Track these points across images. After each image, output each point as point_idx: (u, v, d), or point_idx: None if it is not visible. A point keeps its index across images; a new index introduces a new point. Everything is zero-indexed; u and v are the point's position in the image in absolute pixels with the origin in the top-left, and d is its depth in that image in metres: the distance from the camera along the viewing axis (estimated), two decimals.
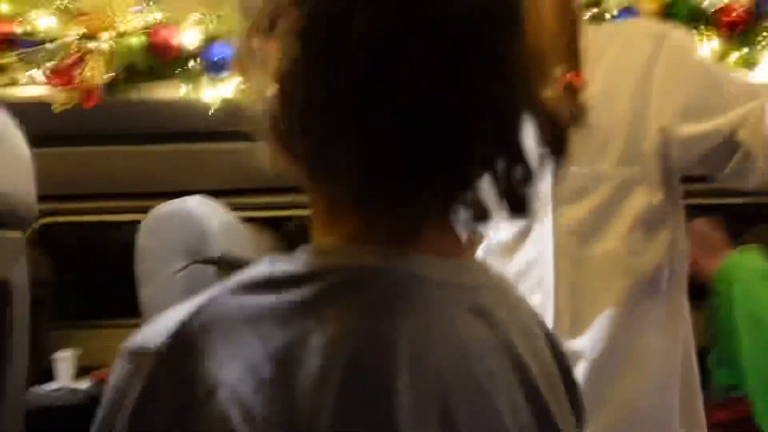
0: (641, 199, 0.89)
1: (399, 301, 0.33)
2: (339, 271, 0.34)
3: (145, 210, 2.29)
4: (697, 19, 1.65)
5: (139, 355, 0.32)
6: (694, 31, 1.62)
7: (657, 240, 0.89)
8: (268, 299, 0.33)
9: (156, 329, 0.32)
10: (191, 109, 1.66)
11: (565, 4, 0.88)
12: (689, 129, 0.89)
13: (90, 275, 2.47)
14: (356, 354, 0.31)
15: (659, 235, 0.90)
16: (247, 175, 2.26)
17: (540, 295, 0.87)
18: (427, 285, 0.35)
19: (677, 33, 0.99)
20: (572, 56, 0.86)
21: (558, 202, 0.88)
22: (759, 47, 1.62)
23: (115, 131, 1.79)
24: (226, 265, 1.46)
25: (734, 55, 1.62)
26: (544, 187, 0.84)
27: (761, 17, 1.66)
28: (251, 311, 0.32)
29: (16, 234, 0.68)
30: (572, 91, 0.83)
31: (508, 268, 0.91)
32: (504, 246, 0.93)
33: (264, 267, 0.36)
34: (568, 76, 0.83)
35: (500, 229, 0.93)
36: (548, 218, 0.88)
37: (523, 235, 0.91)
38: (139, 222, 2.39)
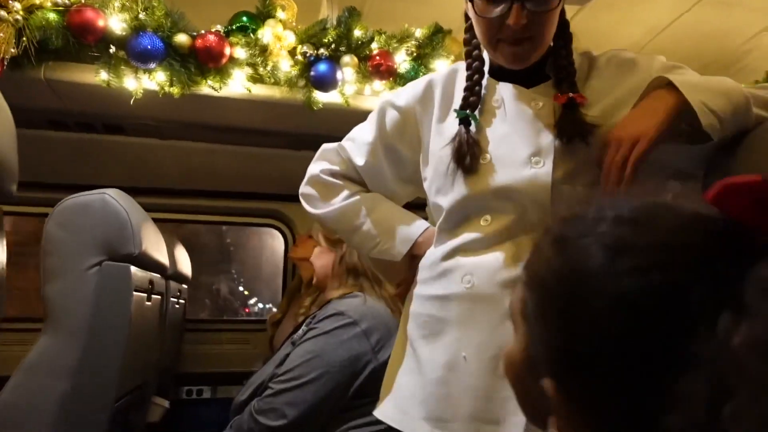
0: None
1: None
2: None
3: (38, 202, 2.06)
4: None
5: None
6: None
7: None
8: None
9: None
10: (107, 97, 1.56)
11: (563, 25, 0.94)
12: None
13: None
14: None
15: None
16: (153, 174, 2.15)
17: None
18: None
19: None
20: (571, 76, 0.91)
21: (554, 213, 0.83)
22: None
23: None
24: (147, 262, 1.38)
25: None
26: (542, 197, 0.85)
27: None
28: None
29: None
30: (575, 106, 0.87)
31: (480, 261, 0.88)
32: (481, 241, 0.90)
33: None
34: (571, 94, 0.88)
35: (465, 234, 0.92)
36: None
37: (506, 236, 0.88)
38: (31, 215, 2.15)
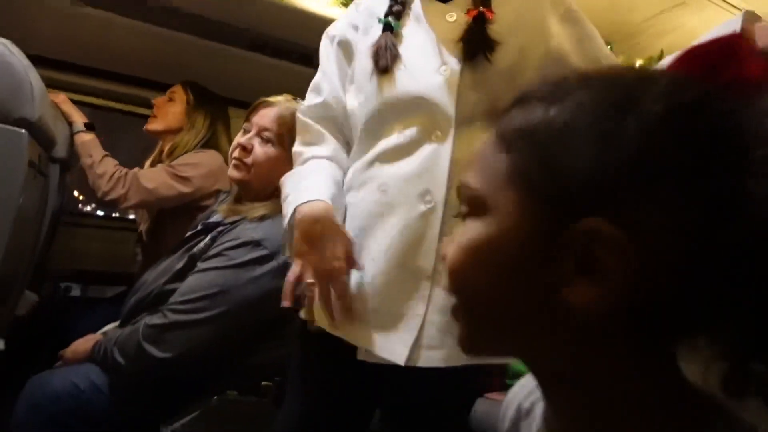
0: None
1: None
2: None
3: None
4: None
5: None
6: None
7: None
8: None
9: None
10: None
11: None
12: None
13: None
14: None
15: None
16: (31, 37, 1.83)
17: (424, 207, 0.89)
18: None
19: None
20: None
21: (459, 122, 0.90)
22: None
23: None
24: (42, 134, 1.20)
25: None
26: (448, 104, 0.90)
27: None
28: None
29: None
30: (483, 21, 0.92)
31: (395, 170, 0.92)
32: (395, 150, 0.93)
33: None
34: (481, 8, 0.93)
35: (380, 143, 0.95)
36: (450, 136, 0.90)
37: (416, 144, 0.92)
38: None
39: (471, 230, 0.40)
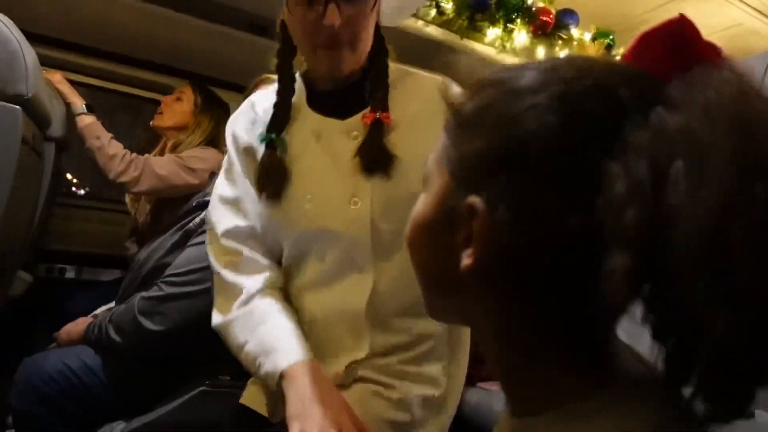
0: None
1: None
2: None
3: None
4: (517, 11, 1.95)
5: None
6: (510, 25, 1.92)
7: None
8: None
9: None
10: None
11: (379, 39, 0.90)
12: None
13: None
14: None
15: None
16: (26, 15, 1.80)
17: (349, 340, 0.88)
18: None
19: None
20: (383, 92, 0.88)
21: (377, 255, 0.87)
22: (556, 48, 2.01)
23: None
24: (36, 112, 1.18)
25: (540, 51, 1.97)
26: (364, 240, 0.86)
27: (560, 26, 2.04)
28: None
29: None
30: (380, 130, 0.85)
31: (321, 300, 0.90)
32: (318, 281, 0.90)
33: None
34: (379, 114, 0.86)
35: (313, 266, 0.91)
36: (370, 270, 0.87)
37: (338, 276, 0.89)
38: None
39: (418, 202, 0.45)
